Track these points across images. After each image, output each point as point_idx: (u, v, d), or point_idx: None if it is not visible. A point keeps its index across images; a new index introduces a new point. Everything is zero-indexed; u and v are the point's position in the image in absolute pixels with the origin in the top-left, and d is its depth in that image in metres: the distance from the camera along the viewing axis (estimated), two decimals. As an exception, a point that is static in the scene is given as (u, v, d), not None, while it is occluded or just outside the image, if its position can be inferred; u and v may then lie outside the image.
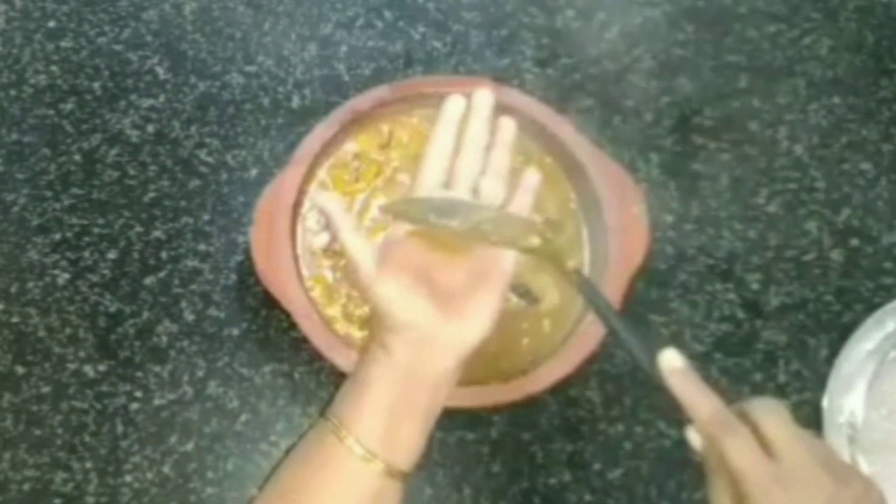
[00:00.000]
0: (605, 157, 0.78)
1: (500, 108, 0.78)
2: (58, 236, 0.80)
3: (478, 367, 0.72)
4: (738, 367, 0.79)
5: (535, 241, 0.56)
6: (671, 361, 0.52)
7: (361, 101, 0.78)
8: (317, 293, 0.74)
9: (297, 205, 0.75)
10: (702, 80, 0.90)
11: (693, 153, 0.87)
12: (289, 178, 0.75)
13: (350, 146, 0.79)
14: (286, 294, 0.71)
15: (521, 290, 0.76)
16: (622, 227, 0.74)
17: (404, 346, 0.54)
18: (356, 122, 0.78)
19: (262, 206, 0.74)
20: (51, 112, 0.85)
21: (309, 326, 0.70)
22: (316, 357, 0.72)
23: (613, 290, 0.72)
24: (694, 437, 0.50)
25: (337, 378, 0.73)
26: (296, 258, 0.73)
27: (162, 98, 0.86)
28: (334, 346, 0.70)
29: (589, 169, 0.76)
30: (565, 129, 0.78)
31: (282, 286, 0.71)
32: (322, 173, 0.78)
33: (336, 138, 0.77)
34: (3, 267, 0.79)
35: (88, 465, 0.74)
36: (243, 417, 0.76)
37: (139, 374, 0.76)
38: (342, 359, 0.69)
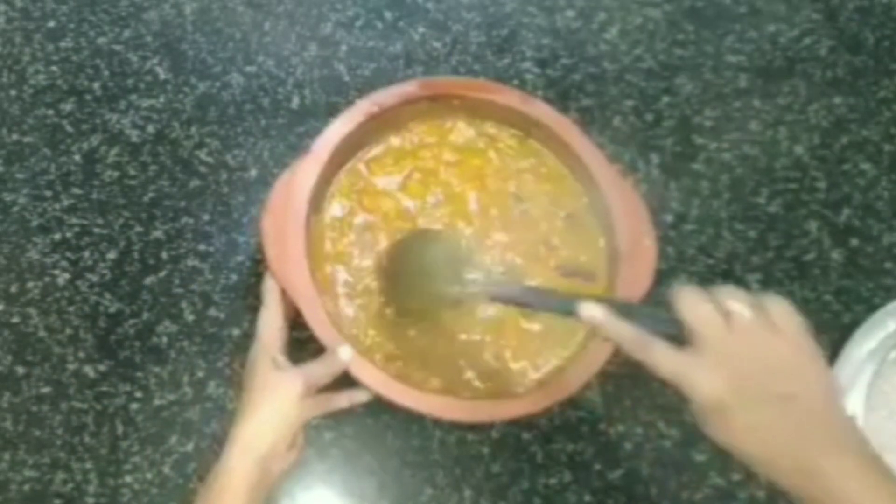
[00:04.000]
0: (623, 182, 0.77)
1: (526, 120, 0.77)
2: (58, 236, 0.80)
3: (492, 384, 0.72)
4: (738, 367, 0.79)
5: None
6: (589, 310, 0.55)
7: (385, 96, 0.75)
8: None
9: (313, 198, 0.72)
10: (702, 80, 0.90)
11: (693, 153, 0.87)
12: (304, 169, 0.72)
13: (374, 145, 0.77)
14: (294, 285, 0.69)
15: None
16: (632, 255, 0.74)
17: None
18: (377, 120, 0.75)
19: (275, 196, 0.71)
20: (51, 112, 0.85)
21: (315, 320, 0.69)
22: (316, 357, 0.72)
23: None
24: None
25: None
26: (309, 252, 0.71)
27: (162, 98, 0.86)
28: (339, 342, 0.69)
29: (605, 194, 0.75)
30: (586, 149, 0.76)
31: (290, 277, 0.69)
32: (360, 165, 0.76)
33: (356, 133, 0.74)
34: (4, 267, 0.79)
35: (88, 465, 0.74)
36: (243, 417, 0.76)
37: (139, 374, 0.76)
38: (346, 355, 0.68)
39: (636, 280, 0.73)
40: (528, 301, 0.66)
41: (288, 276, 0.69)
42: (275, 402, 0.64)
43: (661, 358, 0.51)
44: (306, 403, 0.65)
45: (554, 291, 0.68)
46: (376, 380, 0.68)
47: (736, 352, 0.50)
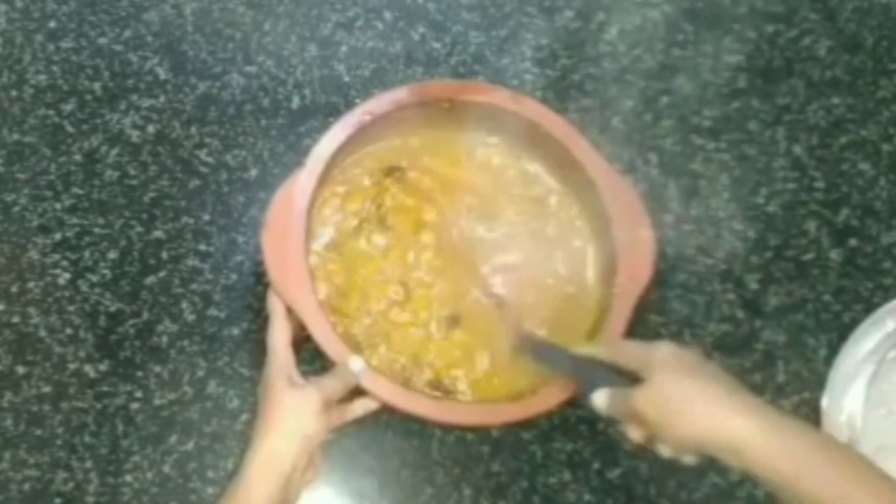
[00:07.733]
0: (617, 175, 0.77)
1: (517, 119, 0.77)
2: (58, 236, 0.81)
3: (489, 387, 0.72)
4: (737, 366, 0.80)
5: None
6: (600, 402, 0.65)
7: (377, 104, 0.75)
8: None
9: (311, 212, 0.72)
10: (701, 80, 0.90)
11: (692, 153, 0.87)
12: (299, 185, 0.72)
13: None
14: (298, 302, 0.69)
15: None
16: (630, 246, 0.74)
17: None
18: (369, 128, 0.76)
19: (273, 213, 0.71)
20: (51, 112, 0.85)
21: (322, 336, 0.68)
22: (315, 357, 0.72)
23: (621, 308, 0.72)
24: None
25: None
26: (310, 268, 0.71)
27: (162, 98, 0.86)
28: (349, 354, 0.68)
29: (600, 187, 0.75)
30: (579, 145, 0.77)
31: (294, 295, 0.69)
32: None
33: (348, 143, 0.74)
34: (4, 267, 0.79)
35: (89, 464, 0.74)
36: (243, 417, 0.76)
37: (139, 373, 0.76)
38: (357, 367, 0.68)
39: (637, 271, 0.73)
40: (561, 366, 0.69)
41: (292, 295, 0.69)
42: (294, 420, 0.64)
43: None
44: (324, 418, 0.65)
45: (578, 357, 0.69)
46: (388, 390, 0.68)
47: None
